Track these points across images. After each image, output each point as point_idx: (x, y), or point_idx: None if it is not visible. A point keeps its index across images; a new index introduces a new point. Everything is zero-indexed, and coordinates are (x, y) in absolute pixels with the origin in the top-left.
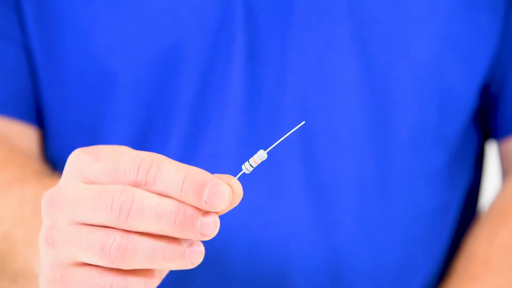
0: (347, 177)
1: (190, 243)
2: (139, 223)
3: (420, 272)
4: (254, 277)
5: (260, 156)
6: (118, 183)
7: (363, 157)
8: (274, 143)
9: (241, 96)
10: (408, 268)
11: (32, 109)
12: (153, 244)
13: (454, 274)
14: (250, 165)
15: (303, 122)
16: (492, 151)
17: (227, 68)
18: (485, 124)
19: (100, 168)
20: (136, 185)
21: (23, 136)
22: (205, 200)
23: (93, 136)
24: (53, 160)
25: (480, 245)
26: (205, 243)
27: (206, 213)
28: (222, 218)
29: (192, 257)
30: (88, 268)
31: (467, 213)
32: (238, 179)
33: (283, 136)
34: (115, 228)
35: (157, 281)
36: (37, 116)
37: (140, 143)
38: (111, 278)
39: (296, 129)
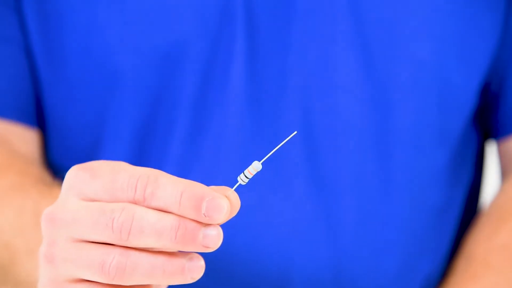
0: (349, 176)
1: (190, 257)
2: (140, 241)
3: (422, 271)
4: (255, 277)
5: (255, 167)
6: (117, 201)
7: (365, 156)
8: (275, 142)
9: (243, 94)
10: (410, 267)
11: (32, 111)
12: (152, 260)
13: (454, 273)
14: (246, 176)
15: (295, 132)
16: (492, 151)
17: (228, 66)
18: (485, 124)
19: (98, 186)
20: (135, 202)
21: (24, 138)
22: (203, 214)
23: (95, 137)
24: (55, 162)
25: (480, 245)
26: None
27: (207, 224)
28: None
29: (192, 272)
30: (85, 284)
31: (468, 213)
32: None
33: (283, 135)
34: (114, 244)
35: None
36: (38, 118)
37: (142, 143)
38: None
39: (297, 127)
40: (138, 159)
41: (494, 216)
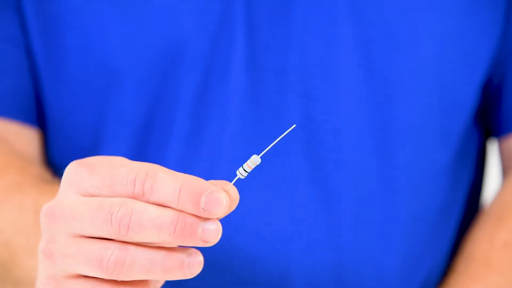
0: (350, 176)
1: (189, 253)
2: (139, 235)
3: (422, 270)
4: (255, 277)
5: (254, 161)
6: (115, 196)
7: (366, 155)
8: (274, 140)
9: (242, 93)
10: (411, 267)
11: (33, 111)
12: (151, 255)
13: (454, 273)
14: (245, 170)
15: (294, 126)
16: (493, 149)
17: (228, 65)
18: (486, 122)
19: (97, 181)
20: (134, 197)
21: (24, 138)
22: (202, 208)
23: (95, 136)
24: (55, 161)
25: (481, 244)
26: None
27: (206, 219)
28: (224, 218)
29: (191, 268)
30: (82, 280)
31: (469, 212)
32: (234, 184)
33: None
34: (113, 239)
35: None
36: (38, 117)
37: (142, 142)
38: None
39: (298, 128)
40: (138, 158)
41: (495, 215)
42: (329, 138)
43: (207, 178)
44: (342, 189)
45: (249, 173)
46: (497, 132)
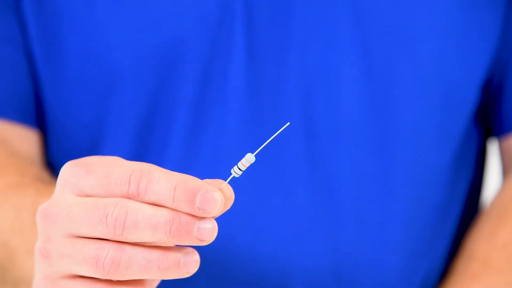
0: (350, 176)
1: (185, 252)
2: (135, 235)
3: (422, 270)
4: (255, 277)
5: (248, 159)
6: (111, 196)
7: (366, 155)
8: (275, 141)
9: (242, 93)
10: (411, 266)
11: (32, 112)
12: (147, 255)
13: (454, 273)
14: (239, 168)
15: (288, 124)
16: (493, 149)
17: (228, 65)
18: (486, 122)
19: (93, 181)
20: (129, 196)
21: (23, 139)
22: (198, 207)
23: (95, 136)
24: (54, 162)
25: (481, 244)
26: None
27: (202, 218)
28: (223, 217)
29: (187, 266)
30: (79, 280)
31: (469, 211)
32: (229, 182)
33: (283, 133)
34: (109, 240)
35: None
36: (38, 118)
37: (142, 142)
38: None
39: (297, 127)
40: (138, 158)
41: (495, 215)
42: (328, 137)
43: (206, 177)
44: (342, 189)
45: (250, 173)
46: (497, 131)
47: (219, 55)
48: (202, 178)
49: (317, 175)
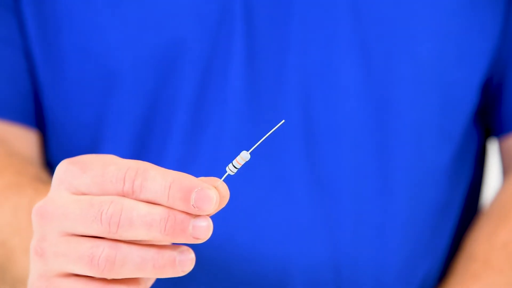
0: (349, 176)
1: (181, 250)
2: (130, 233)
3: (421, 270)
4: (255, 277)
5: (243, 157)
6: (106, 194)
7: (365, 155)
8: (274, 140)
9: (241, 93)
10: (410, 266)
11: (32, 112)
12: (142, 253)
13: (454, 273)
14: (234, 166)
15: (283, 121)
16: (493, 149)
17: (227, 65)
18: (486, 122)
19: (88, 179)
20: (124, 194)
21: (23, 139)
22: (193, 205)
23: (94, 137)
24: (54, 163)
25: (481, 244)
26: (205, 242)
27: (197, 216)
28: (222, 216)
29: (182, 265)
30: (73, 279)
31: (469, 211)
32: (224, 180)
33: (282, 134)
34: (105, 238)
35: None
36: (37, 119)
37: (141, 142)
38: (95, 287)
39: (297, 127)
40: (137, 158)
41: (495, 215)
42: (328, 137)
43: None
44: (341, 188)
45: (250, 173)
46: (497, 131)
47: (219, 55)
48: (200, 177)
49: (317, 175)
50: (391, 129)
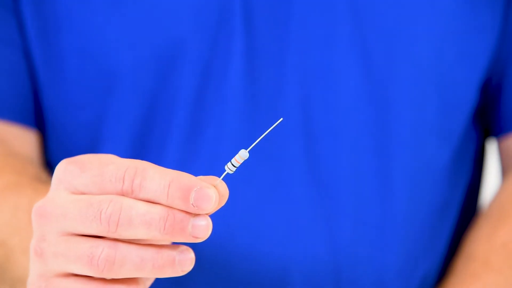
0: (349, 175)
1: (180, 250)
2: (129, 232)
3: (421, 270)
4: (254, 277)
5: (242, 155)
6: (105, 193)
7: (365, 155)
8: (274, 140)
9: (241, 93)
10: (409, 266)
11: (31, 113)
12: (142, 253)
13: (453, 273)
14: (233, 165)
15: (281, 119)
16: (492, 149)
17: (227, 66)
18: (485, 122)
19: (87, 179)
20: (123, 194)
21: (22, 139)
22: (192, 204)
23: (93, 137)
24: (53, 163)
25: (480, 244)
26: (205, 242)
27: (196, 215)
28: (222, 216)
29: (182, 265)
30: (73, 279)
31: (468, 211)
32: (223, 179)
33: (282, 134)
34: (104, 237)
35: (142, 287)
36: (37, 119)
37: (140, 142)
38: (94, 287)
39: (297, 127)
40: (137, 158)
41: (494, 215)
42: (327, 137)
43: None
44: (341, 189)
45: (250, 173)
46: (496, 131)
47: (219, 55)
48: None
49: (316, 175)
50: (390, 129)
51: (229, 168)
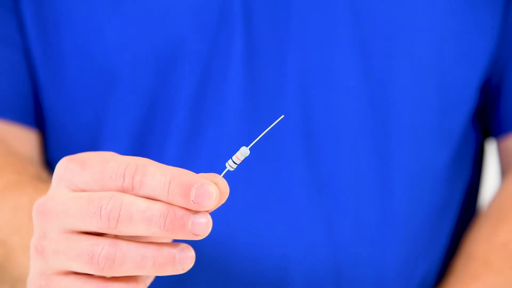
0: (349, 176)
1: (181, 248)
2: (129, 229)
3: (420, 270)
4: (254, 276)
5: (243, 152)
6: (106, 190)
7: (364, 155)
8: (274, 140)
9: (241, 94)
10: (409, 266)
11: (31, 113)
12: (142, 251)
13: (453, 273)
14: (234, 162)
15: (282, 116)
16: (491, 149)
17: (226, 66)
18: (485, 122)
19: (88, 176)
20: (123, 190)
21: (23, 139)
22: (192, 201)
23: (93, 137)
24: (54, 162)
25: (480, 244)
26: (205, 241)
27: (196, 212)
28: (222, 215)
29: (182, 263)
30: (73, 277)
31: (467, 212)
32: (224, 176)
33: (282, 134)
34: (105, 235)
35: (143, 286)
36: (37, 119)
37: (140, 142)
38: (94, 285)
39: (296, 127)
40: None
41: (494, 215)
42: (327, 137)
43: None
44: (341, 189)
45: (249, 173)
46: (495, 132)
47: (218, 55)
48: None
49: (316, 175)
50: (390, 129)
51: (230, 165)
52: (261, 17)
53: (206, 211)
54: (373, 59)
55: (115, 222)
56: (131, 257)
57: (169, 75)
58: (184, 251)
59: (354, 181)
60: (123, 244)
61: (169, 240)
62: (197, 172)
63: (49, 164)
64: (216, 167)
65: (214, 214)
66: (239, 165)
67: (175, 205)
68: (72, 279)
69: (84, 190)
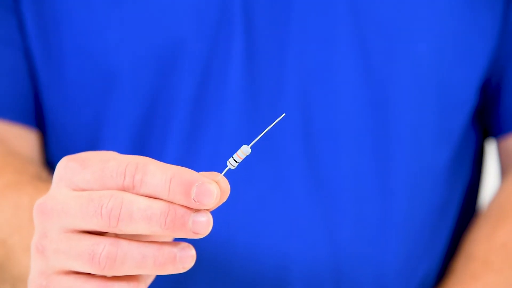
0: (348, 175)
1: (181, 247)
2: (130, 227)
3: (420, 269)
4: (254, 276)
5: (244, 151)
6: (106, 189)
7: (364, 155)
8: (274, 140)
9: (240, 94)
10: (409, 266)
11: (32, 112)
12: (143, 250)
13: (453, 273)
14: (235, 160)
15: (283, 115)
16: (491, 149)
17: (226, 66)
18: (484, 122)
19: (88, 175)
20: (124, 189)
21: (23, 139)
22: (193, 199)
23: (93, 136)
24: (54, 162)
25: (480, 244)
26: (205, 241)
27: (197, 210)
28: (222, 215)
29: (183, 262)
30: (74, 276)
31: (467, 212)
32: (224, 175)
33: (281, 134)
34: (106, 234)
35: (143, 285)
36: (37, 119)
37: (140, 142)
38: (95, 285)
39: (296, 127)
40: None
41: (494, 215)
42: (327, 138)
43: None
44: (340, 189)
45: (249, 172)
46: (495, 132)
47: (218, 55)
48: None
49: (316, 175)
50: (390, 129)
51: (231, 164)
52: (261, 17)
53: (207, 209)
54: (373, 59)
55: (115, 221)
56: (132, 256)
57: (169, 75)
58: (185, 250)
59: (354, 181)
60: (124, 243)
61: (170, 239)
62: (197, 171)
63: (49, 164)
64: (216, 167)
65: (214, 214)
66: (239, 165)
67: (175, 203)
68: (73, 278)
69: (84, 189)
